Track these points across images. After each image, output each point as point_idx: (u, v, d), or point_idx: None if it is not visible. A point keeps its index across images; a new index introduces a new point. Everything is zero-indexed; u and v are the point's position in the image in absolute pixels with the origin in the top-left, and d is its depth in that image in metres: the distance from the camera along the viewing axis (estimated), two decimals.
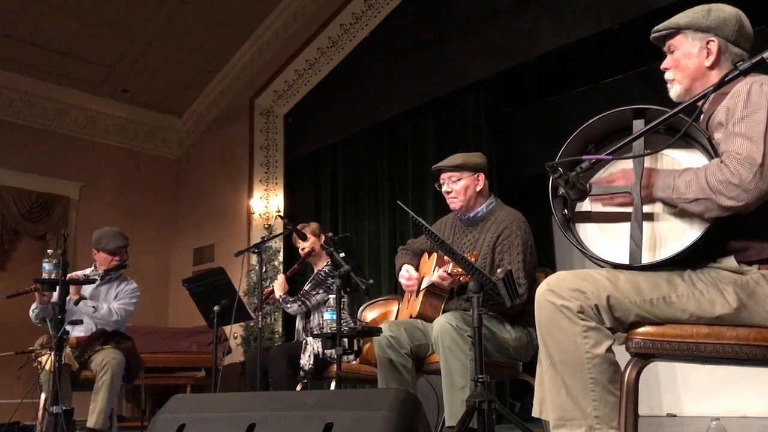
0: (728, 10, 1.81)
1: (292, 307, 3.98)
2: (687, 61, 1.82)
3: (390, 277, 6.24)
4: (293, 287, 4.24)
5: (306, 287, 4.04)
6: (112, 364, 3.58)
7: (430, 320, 2.84)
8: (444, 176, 3.02)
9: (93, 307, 3.80)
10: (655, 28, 1.89)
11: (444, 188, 3.02)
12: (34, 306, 3.78)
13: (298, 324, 4.09)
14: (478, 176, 2.99)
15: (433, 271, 2.86)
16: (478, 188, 2.99)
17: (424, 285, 2.93)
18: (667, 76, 1.88)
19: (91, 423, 3.50)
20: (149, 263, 8.05)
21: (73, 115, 8.09)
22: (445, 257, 2.69)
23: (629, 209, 1.71)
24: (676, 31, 1.84)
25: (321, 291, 3.93)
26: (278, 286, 4.09)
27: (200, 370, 6.79)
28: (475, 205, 3.01)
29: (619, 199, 1.72)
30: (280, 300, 4.03)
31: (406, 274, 3.06)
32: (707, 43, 1.79)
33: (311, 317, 3.99)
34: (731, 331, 1.62)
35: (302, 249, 4.13)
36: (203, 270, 6.53)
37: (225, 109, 8.36)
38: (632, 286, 1.65)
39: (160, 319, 8.12)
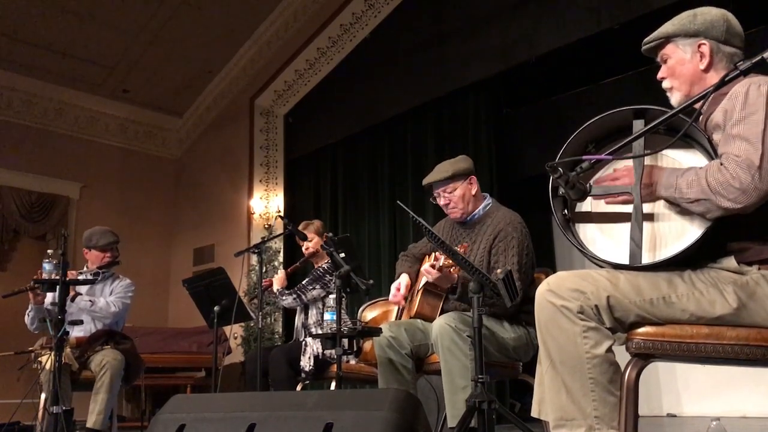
0: (714, 12, 1.81)
1: (287, 300, 4.00)
2: (682, 67, 1.83)
3: (390, 277, 6.23)
4: (292, 285, 4.25)
5: (303, 282, 4.06)
6: (111, 364, 3.58)
7: (429, 319, 2.85)
8: (438, 190, 3.00)
9: (90, 301, 3.81)
10: (645, 40, 1.90)
11: (441, 201, 3.00)
12: (29, 309, 3.77)
13: (297, 321, 4.10)
14: (470, 180, 2.99)
15: None
16: (473, 191, 3.00)
17: (422, 283, 2.93)
18: (665, 85, 1.89)
19: (90, 423, 3.50)
20: (149, 263, 8.06)
21: (73, 115, 8.09)
22: (436, 253, 2.69)
23: (629, 209, 1.71)
24: (666, 40, 1.85)
25: (318, 286, 3.95)
26: (277, 280, 4.12)
27: (200, 371, 6.79)
28: (473, 208, 3.01)
29: (623, 197, 1.72)
30: (277, 293, 4.06)
31: (393, 290, 3.07)
32: (699, 46, 1.80)
33: (309, 313, 4.00)
34: (731, 332, 1.62)
35: (306, 249, 4.14)
36: (203, 270, 6.53)
37: (225, 109, 8.36)
38: (632, 286, 1.65)
39: (160, 319, 8.12)
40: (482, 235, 2.91)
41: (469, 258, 2.80)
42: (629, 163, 1.73)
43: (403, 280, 3.09)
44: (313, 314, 3.97)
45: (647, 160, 1.72)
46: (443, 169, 3.00)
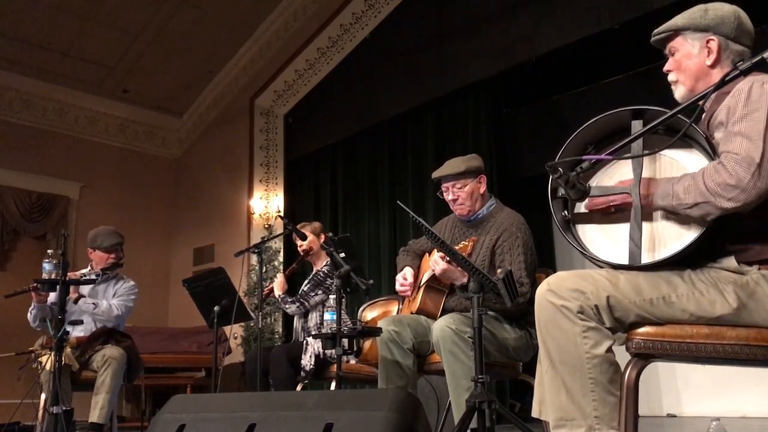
0: (726, 8, 1.80)
1: (291, 308, 3.99)
2: (688, 61, 1.81)
3: (390, 277, 6.23)
4: (292, 286, 4.24)
5: (305, 288, 4.04)
6: (114, 360, 3.58)
7: (431, 316, 2.85)
8: (447, 184, 2.99)
9: (93, 303, 3.81)
10: (654, 31, 1.89)
11: (450, 197, 2.99)
12: (31, 308, 3.77)
13: (296, 323, 4.10)
14: (480, 178, 3.00)
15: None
16: (482, 190, 3.00)
17: (424, 279, 2.93)
18: (671, 78, 1.88)
19: (93, 418, 3.49)
20: (149, 263, 8.06)
21: (73, 115, 8.09)
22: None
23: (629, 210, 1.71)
24: (675, 32, 1.84)
25: (320, 291, 3.93)
26: (278, 285, 4.10)
27: (200, 371, 6.79)
28: (479, 207, 3.00)
29: (623, 197, 1.71)
30: (279, 299, 4.04)
31: (401, 279, 3.05)
32: (707, 42, 1.78)
33: (309, 317, 3.99)
34: (731, 332, 1.62)
35: (300, 247, 4.14)
36: (203, 270, 6.53)
37: (225, 109, 8.36)
38: (632, 286, 1.65)
39: (160, 319, 8.13)
40: (485, 234, 2.91)
41: (473, 256, 2.81)
42: (627, 169, 1.73)
43: (408, 270, 3.08)
44: (313, 317, 3.96)
45: (645, 167, 1.71)
46: (455, 164, 2.99)
